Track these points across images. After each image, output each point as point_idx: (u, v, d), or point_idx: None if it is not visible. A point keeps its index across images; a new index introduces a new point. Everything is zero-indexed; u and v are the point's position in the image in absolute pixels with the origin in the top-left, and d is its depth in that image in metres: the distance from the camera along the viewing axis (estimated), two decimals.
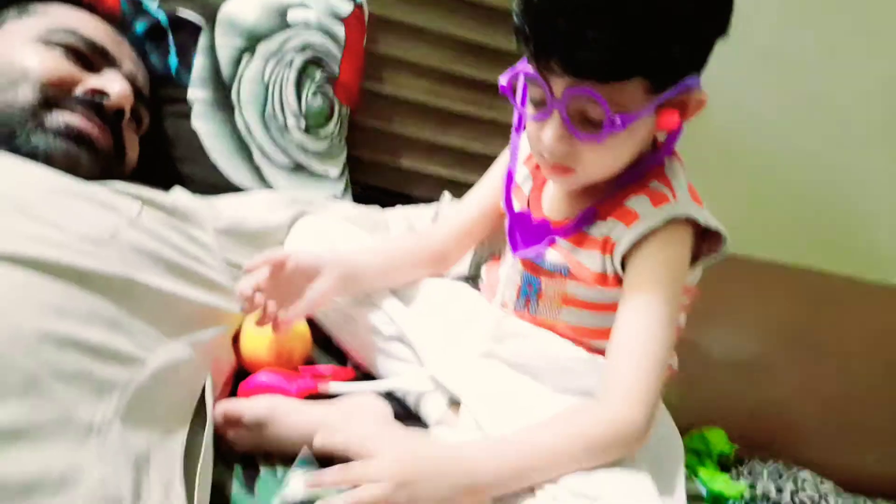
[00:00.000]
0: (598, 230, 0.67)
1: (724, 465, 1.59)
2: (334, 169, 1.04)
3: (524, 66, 0.61)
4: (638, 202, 0.64)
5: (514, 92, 0.64)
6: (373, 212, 0.99)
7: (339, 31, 1.03)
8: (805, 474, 1.57)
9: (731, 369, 1.58)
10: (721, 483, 1.48)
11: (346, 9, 1.03)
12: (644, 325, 0.61)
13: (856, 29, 1.19)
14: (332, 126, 1.03)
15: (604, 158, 0.62)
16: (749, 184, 1.35)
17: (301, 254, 0.70)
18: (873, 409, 1.60)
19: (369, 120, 1.17)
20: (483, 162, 1.14)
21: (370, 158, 1.18)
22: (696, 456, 1.58)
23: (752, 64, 1.20)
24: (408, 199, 1.19)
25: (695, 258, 0.67)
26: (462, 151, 1.21)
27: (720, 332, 1.54)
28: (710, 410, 1.61)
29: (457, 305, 0.78)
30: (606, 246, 0.66)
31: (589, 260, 0.67)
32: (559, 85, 0.58)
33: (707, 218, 0.64)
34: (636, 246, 0.63)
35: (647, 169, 0.66)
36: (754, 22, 1.16)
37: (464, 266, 0.94)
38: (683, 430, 1.65)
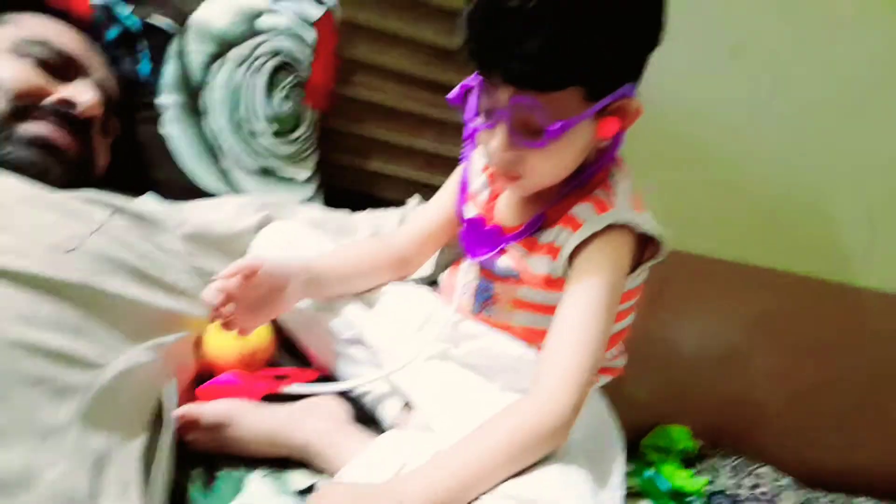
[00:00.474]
0: (547, 236, 0.70)
1: (689, 461, 1.64)
2: (304, 172, 1.06)
3: (474, 79, 0.64)
4: (582, 210, 0.68)
5: (464, 103, 0.67)
6: (340, 215, 1.01)
7: (310, 35, 1.04)
8: (765, 469, 1.61)
9: (699, 366, 1.61)
10: (682, 479, 1.53)
11: (317, 13, 1.05)
12: (577, 321, 0.64)
13: (821, 26, 1.21)
14: (301, 130, 1.05)
15: (548, 164, 0.65)
16: (717, 187, 1.37)
17: (270, 263, 0.71)
18: (840, 407, 1.64)
19: (341, 123, 1.19)
20: (453, 164, 1.17)
21: (342, 161, 1.20)
22: (660, 452, 1.63)
23: (721, 64, 1.22)
24: (379, 201, 1.22)
25: (638, 262, 0.71)
26: (432, 154, 1.24)
27: (690, 329, 1.58)
28: (678, 406, 1.65)
29: (416, 309, 0.81)
30: (554, 250, 0.69)
31: (538, 264, 0.71)
32: (503, 94, 0.61)
33: (646, 224, 0.68)
34: (578, 249, 0.67)
35: (591, 176, 0.70)
36: (722, 20, 1.19)
37: (427, 268, 0.97)
38: (650, 427, 1.69)
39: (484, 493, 0.57)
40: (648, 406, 1.64)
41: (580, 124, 0.62)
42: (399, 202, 1.18)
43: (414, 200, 1.14)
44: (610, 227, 0.66)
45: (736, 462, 1.61)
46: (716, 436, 1.66)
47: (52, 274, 0.56)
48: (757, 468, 1.59)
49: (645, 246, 0.71)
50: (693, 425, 1.64)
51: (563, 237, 0.68)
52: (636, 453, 1.64)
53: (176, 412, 0.63)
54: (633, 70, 0.64)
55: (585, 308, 0.65)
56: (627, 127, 0.66)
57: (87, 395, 0.53)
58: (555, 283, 0.70)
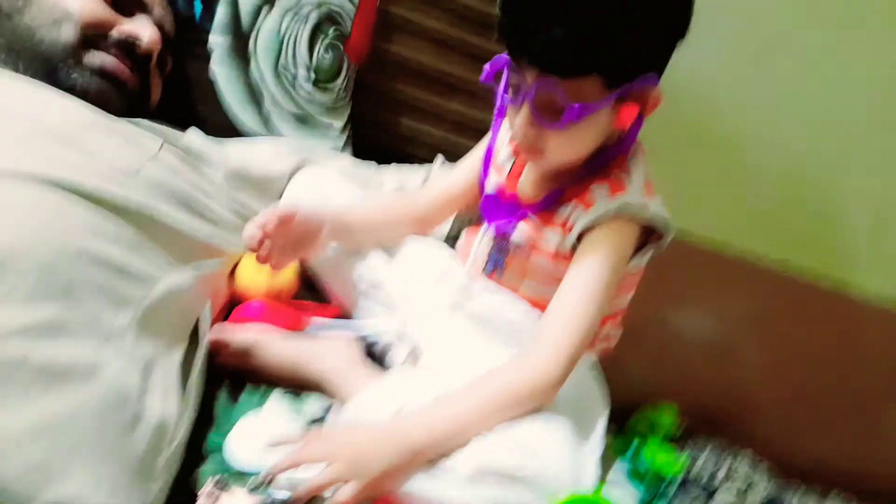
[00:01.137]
0: (563, 211, 0.75)
1: (673, 438, 1.71)
2: (338, 122, 1.11)
3: (505, 57, 0.68)
4: (599, 190, 0.72)
5: (496, 80, 0.71)
6: (369, 168, 1.07)
7: None
8: (746, 453, 1.68)
9: (694, 351, 1.67)
10: (663, 457, 1.60)
11: None
12: (577, 296, 0.70)
13: (844, 31, 1.22)
14: (339, 81, 1.10)
15: (567, 144, 0.70)
16: (731, 177, 1.40)
17: (305, 209, 0.77)
18: (824, 411, 1.70)
19: (376, 79, 1.22)
20: (481, 129, 1.21)
21: (373, 117, 1.25)
22: (647, 428, 1.70)
23: (746, 64, 1.25)
24: (406, 158, 1.27)
25: (641, 246, 0.76)
26: (461, 118, 1.28)
27: (688, 315, 1.62)
28: (671, 387, 1.71)
29: (433, 264, 0.87)
30: (566, 226, 0.74)
31: (551, 235, 0.76)
32: (530, 76, 0.65)
33: (654, 211, 0.73)
34: (588, 230, 0.72)
35: (611, 158, 0.74)
36: (749, 22, 1.22)
37: (446, 227, 1.03)
38: (641, 402, 1.76)
39: (476, 436, 0.63)
40: (639, 384, 1.71)
41: (599, 110, 0.66)
42: (425, 161, 1.23)
43: (438, 161, 1.19)
44: (618, 216, 0.71)
45: (719, 444, 1.68)
46: (702, 419, 1.73)
47: (115, 194, 0.62)
48: (737, 451, 1.66)
49: (649, 232, 0.76)
50: (681, 406, 1.71)
51: (576, 214, 0.73)
52: (624, 427, 1.72)
53: (210, 335, 0.70)
54: (656, 61, 0.67)
55: (584, 286, 0.70)
56: (647, 115, 0.70)
57: (140, 306, 0.59)
58: (562, 257, 0.76)
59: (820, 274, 1.51)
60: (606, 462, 0.85)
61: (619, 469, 0.87)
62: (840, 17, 1.21)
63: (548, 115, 0.66)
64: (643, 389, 1.70)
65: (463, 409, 0.64)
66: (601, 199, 0.71)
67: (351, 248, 0.87)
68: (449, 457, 0.62)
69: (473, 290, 0.83)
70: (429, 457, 0.61)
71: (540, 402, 0.67)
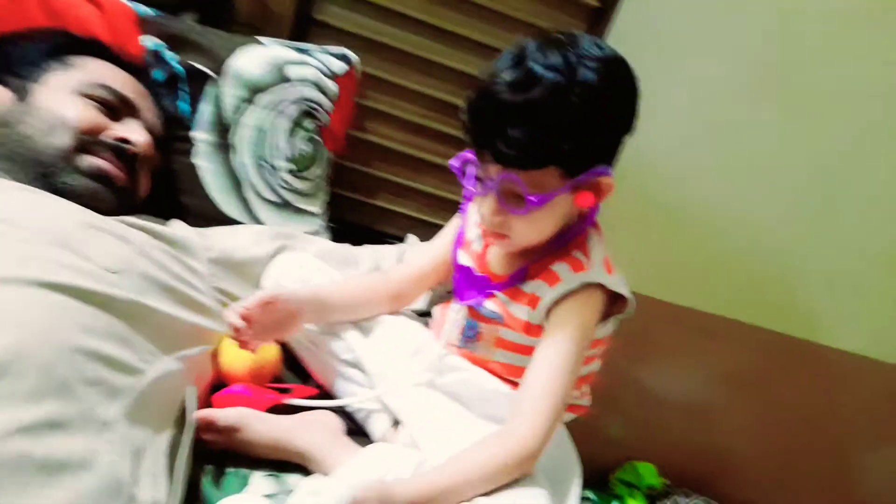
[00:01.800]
0: (528, 288, 0.81)
1: (653, 497, 1.73)
2: (316, 207, 1.17)
3: (471, 152, 0.75)
4: (561, 268, 0.79)
5: (463, 171, 0.78)
6: (345, 248, 1.12)
7: (333, 87, 1.16)
8: None
9: (674, 410, 1.71)
10: None
11: (341, 68, 1.17)
12: (550, 367, 0.75)
13: (788, 108, 1.33)
14: (317, 169, 1.17)
15: (530, 228, 0.77)
16: (700, 246, 1.47)
17: (286, 293, 0.82)
18: (806, 461, 1.74)
19: (353, 163, 1.31)
20: (450, 206, 1.29)
21: (351, 197, 1.32)
22: (627, 487, 1.72)
23: (700, 139, 1.35)
24: (381, 235, 1.34)
25: (608, 314, 0.82)
26: (433, 196, 1.36)
27: (668, 375, 1.67)
28: (650, 446, 1.74)
29: (408, 339, 0.92)
30: (533, 301, 0.80)
31: (519, 311, 0.82)
32: (493, 170, 0.72)
33: (615, 284, 0.79)
34: (556, 303, 0.78)
35: (571, 238, 0.81)
36: (700, 102, 1.32)
37: (420, 303, 1.08)
38: (621, 461, 1.78)
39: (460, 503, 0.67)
40: (621, 443, 1.74)
41: (558, 196, 0.73)
42: (399, 237, 1.30)
43: (410, 240, 1.25)
44: (584, 287, 0.77)
45: (697, 501, 1.71)
46: (681, 477, 1.75)
47: (108, 291, 0.66)
48: None
49: (615, 299, 0.83)
50: (661, 465, 1.74)
51: (542, 290, 0.79)
52: (606, 486, 1.74)
53: (196, 414, 0.73)
54: (606, 153, 0.74)
55: (556, 356, 0.75)
56: (602, 199, 0.77)
57: (130, 396, 0.63)
58: (533, 328, 0.81)
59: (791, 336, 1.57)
60: None
61: None
62: (782, 97, 1.32)
63: (511, 202, 0.73)
64: (624, 447, 1.73)
65: (450, 477, 0.68)
66: (565, 277, 0.78)
67: (327, 327, 0.91)
68: None
69: (447, 364, 0.88)
70: None
71: (522, 472, 0.71)
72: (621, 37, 1.20)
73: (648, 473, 1.72)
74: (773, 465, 1.76)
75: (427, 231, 1.24)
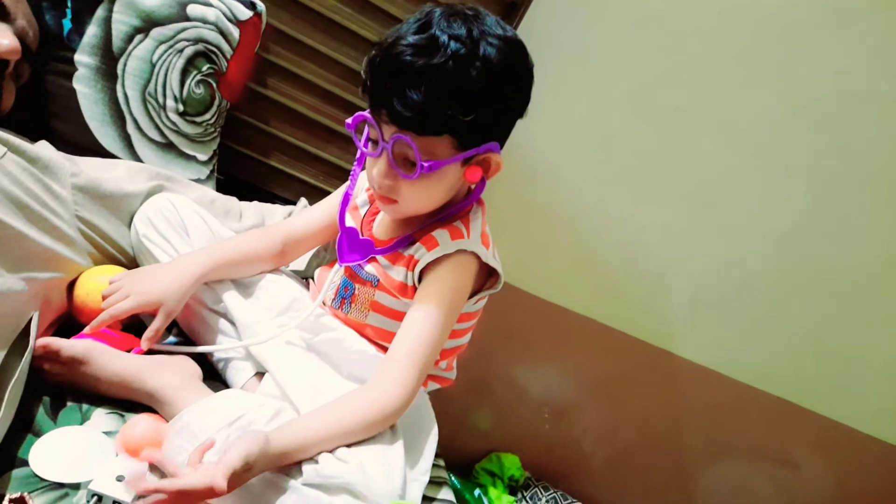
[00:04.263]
0: (408, 251, 0.82)
1: (514, 488, 1.79)
2: (203, 154, 1.12)
3: (367, 112, 0.75)
4: (440, 234, 0.80)
5: (358, 132, 0.78)
6: (230, 200, 1.08)
7: (235, 32, 1.12)
8: None
9: (537, 406, 1.78)
10: (504, 503, 1.67)
11: (245, 14, 1.13)
12: (420, 328, 0.76)
13: (671, 122, 1.41)
14: (209, 115, 1.12)
15: (418, 195, 0.77)
16: (578, 249, 1.54)
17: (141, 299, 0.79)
18: (657, 462, 1.85)
19: (249, 117, 1.26)
20: (348, 177, 1.27)
21: (242, 152, 1.28)
22: (491, 476, 1.77)
23: (592, 149, 1.42)
24: (270, 196, 1.30)
25: (479, 288, 0.84)
26: (331, 164, 1.33)
27: (535, 371, 1.74)
28: (515, 439, 1.80)
29: (281, 296, 0.91)
30: (411, 263, 0.81)
31: (396, 273, 0.83)
32: (388, 131, 0.72)
33: (489, 258, 0.81)
34: (430, 265, 0.79)
35: (456, 212, 0.83)
36: (593, 115, 1.39)
37: (302, 263, 1.06)
38: (486, 452, 1.82)
39: (323, 452, 0.66)
40: (487, 435, 1.79)
41: (448, 166, 0.74)
42: (290, 201, 1.27)
43: (301, 203, 1.22)
44: (459, 252, 0.79)
45: (554, 495, 1.78)
46: (541, 471, 1.82)
47: None
48: (571, 503, 1.76)
49: (488, 277, 0.85)
50: (523, 458, 1.80)
51: (420, 253, 0.80)
52: (470, 474, 1.78)
53: (41, 341, 0.68)
54: (498, 131, 0.77)
55: (427, 317, 0.76)
56: (490, 177, 0.79)
57: None
58: (408, 290, 0.82)
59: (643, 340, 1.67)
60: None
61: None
62: (666, 113, 1.40)
63: (403, 167, 0.73)
64: (491, 439, 1.78)
65: (316, 428, 0.67)
66: (443, 242, 0.79)
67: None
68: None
69: (321, 324, 0.87)
70: (278, 460, 0.64)
71: (384, 427, 0.72)
72: (527, 36, 1.23)
73: (512, 465, 1.78)
74: (614, 465, 1.86)
75: (321, 199, 1.22)
